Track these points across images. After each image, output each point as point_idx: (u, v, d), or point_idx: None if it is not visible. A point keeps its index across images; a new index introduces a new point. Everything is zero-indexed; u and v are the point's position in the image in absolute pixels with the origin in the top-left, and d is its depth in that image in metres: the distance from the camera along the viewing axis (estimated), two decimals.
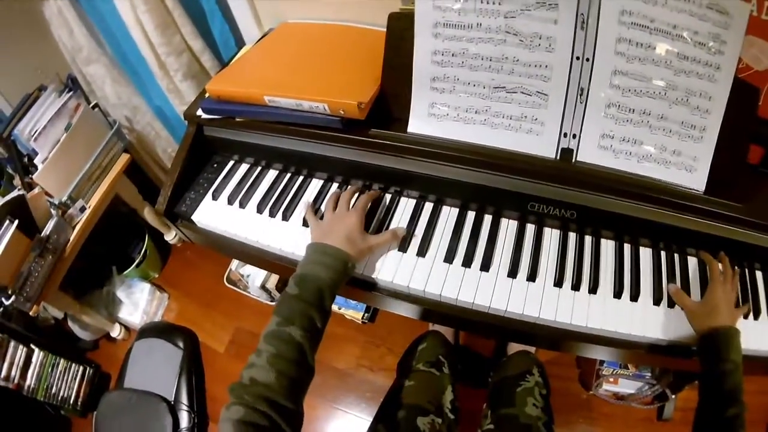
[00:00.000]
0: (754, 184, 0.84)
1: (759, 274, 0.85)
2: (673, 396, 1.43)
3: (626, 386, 1.38)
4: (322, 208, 0.87)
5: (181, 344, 1.58)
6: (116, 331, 1.69)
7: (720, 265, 0.80)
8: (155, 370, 1.54)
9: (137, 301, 1.69)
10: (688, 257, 0.84)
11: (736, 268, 0.82)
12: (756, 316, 0.81)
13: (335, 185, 0.92)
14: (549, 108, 0.77)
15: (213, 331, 1.70)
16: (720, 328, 0.72)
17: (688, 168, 0.77)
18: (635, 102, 0.75)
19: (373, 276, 0.80)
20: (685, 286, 0.81)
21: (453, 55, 0.78)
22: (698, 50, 0.70)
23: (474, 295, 0.77)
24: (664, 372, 1.43)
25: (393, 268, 0.80)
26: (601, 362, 1.38)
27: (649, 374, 1.43)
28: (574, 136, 0.78)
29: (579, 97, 0.76)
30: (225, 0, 1.21)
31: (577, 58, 0.74)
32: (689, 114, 0.75)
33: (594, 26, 0.71)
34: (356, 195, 0.86)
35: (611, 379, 1.36)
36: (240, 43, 1.26)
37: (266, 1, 1.14)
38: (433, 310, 0.80)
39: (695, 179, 0.78)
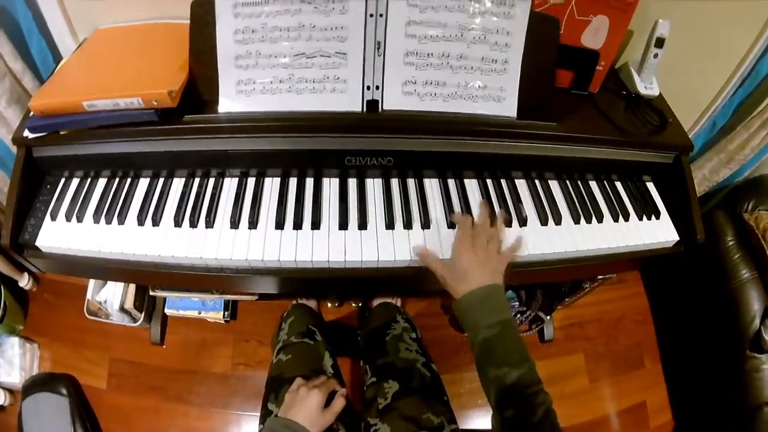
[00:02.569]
0: (566, 104, 1.04)
1: (594, 184, 1.05)
2: (548, 317, 1.66)
3: None
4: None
5: (64, 391, 1.63)
6: (2, 398, 1.71)
7: (466, 220, 0.88)
8: (49, 425, 1.59)
9: (11, 359, 1.72)
10: (515, 180, 1.02)
11: (501, 210, 0.96)
12: (599, 220, 1.00)
13: (161, 180, 1.02)
14: (349, 66, 0.91)
15: (90, 369, 1.78)
16: (469, 291, 0.77)
17: (497, 98, 0.94)
18: (433, 47, 0.90)
19: (213, 257, 0.92)
20: (518, 206, 0.98)
21: (253, 31, 0.90)
22: None
23: (311, 252, 0.90)
24: (532, 297, 1.65)
25: (229, 246, 0.92)
26: None
27: (517, 303, 1.63)
28: (378, 87, 0.93)
29: (377, 50, 0.91)
30: (41, 15, 1.29)
31: (371, 15, 0.89)
32: (489, 50, 0.91)
33: None
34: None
35: None
36: (58, 58, 1.34)
37: (79, 11, 1.23)
38: (279, 276, 0.93)
39: (505, 107, 0.95)
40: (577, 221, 1.00)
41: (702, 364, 1.66)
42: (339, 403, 0.92)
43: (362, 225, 0.93)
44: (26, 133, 1.03)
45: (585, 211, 1.01)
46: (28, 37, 1.33)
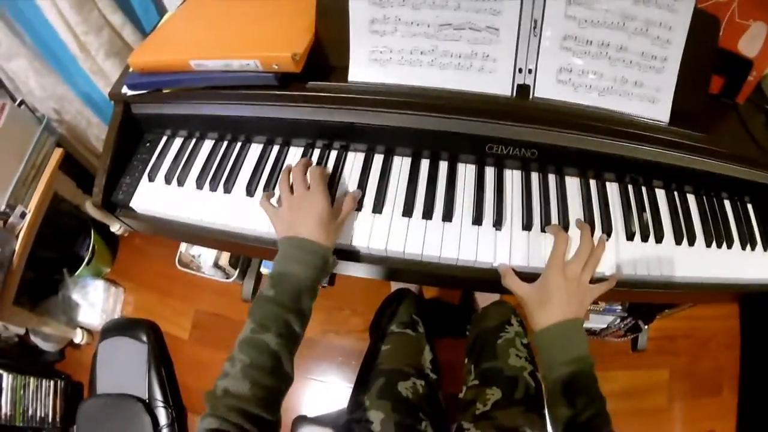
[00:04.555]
0: (716, 113, 0.81)
1: (727, 203, 0.82)
2: (646, 327, 1.43)
3: (598, 321, 1.36)
4: (276, 190, 0.74)
5: (144, 338, 1.47)
6: (79, 337, 1.57)
7: (563, 239, 0.67)
8: (124, 369, 1.44)
9: (94, 301, 1.56)
10: (656, 190, 0.80)
11: (603, 236, 0.72)
12: (729, 246, 0.78)
13: (276, 147, 0.81)
14: (501, 43, 0.70)
15: (174, 319, 1.60)
16: (550, 326, 0.63)
17: (651, 99, 0.72)
18: (593, 33, 0.69)
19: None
20: (657, 218, 0.76)
21: None
22: None
23: (440, 248, 0.70)
24: (634, 304, 1.42)
25: (349, 230, 0.72)
26: None
27: (620, 308, 1.42)
28: (530, 71, 0.71)
29: (533, 30, 0.69)
30: None
31: None
32: (649, 44, 0.69)
33: None
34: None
35: (590, 314, 1.33)
36: (162, 11, 1.13)
37: None
38: (399, 268, 0.73)
39: (659, 110, 0.73)
40: (709, 244, 0.77)
41: None
42: (348, 205, 0.71)
43: (497, 222, 0.72)
44: (125, 90, 0.83)
45: (718, 233, 0.78)
46: None
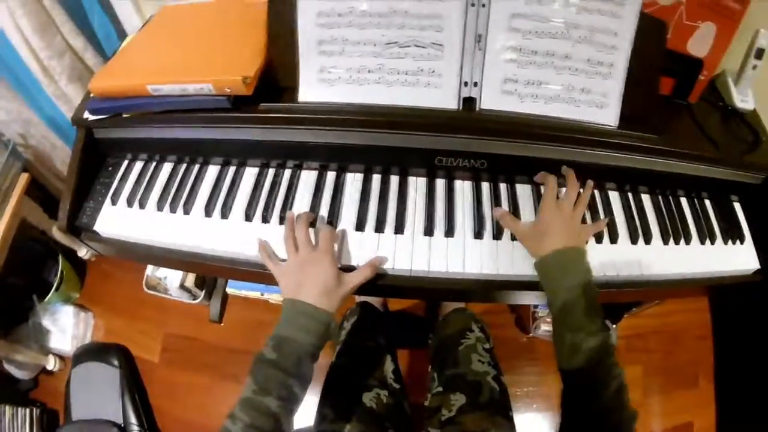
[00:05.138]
0: (668, 114, 0.84)
1: (684, 201, 0.85)
2: (614, 326, 1.45)
3: None
4: (278, 250, 0.72)
5: (116, 362, 1.46)
6: (51, 363, 1.55)
7: (553, 181, 0.73)
8: (98, 395, 1.42)
9: (64, 327, 1.55)
10: (609, 192, 0.82)
11: (589, 182, 0.77)
12: (687, 241, 0.80)
13: (232, 168, 0.83)
14: (445, 58, 0.72)
15: (143, 342, 1.59)
16: (552, 252, 0.66)
17: (599, 104, 0.75)
18: (537, 44, 0.71)
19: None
20: (611, 219, 0.79)
21: (339, 15, 0.72)
22: None
23: (393, 260, 0.72)
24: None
25: None
26: (535, 305, 1.38)
27: None
28: (476, 84, 0.74)
29: (477, 44, 0.72)
30: None
31: (472, 5, 0.70)
32: (594, 51, 0.72)
33: None
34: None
35: (548, 319, 1.35)
36: (122, 35, 1.14)
37: None
38: None
39: (607, 115, 0.75)
40: (666, 242, 0.80)
41: (756, 391, 1.43)
42: (365, 274, 0.69)
43: (449, 232, 0.74)
44: (86, 115, 0.84)
45: (675, 231, 0.81)
46: (90, 14, 1.13)
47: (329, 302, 0.65)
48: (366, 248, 0.73)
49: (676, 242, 0.80)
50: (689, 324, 1.67)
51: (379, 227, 0.74)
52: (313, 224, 0.74)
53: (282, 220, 0.76)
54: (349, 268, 0.71)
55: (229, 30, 0.86)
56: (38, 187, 1.47)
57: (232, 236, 0.76)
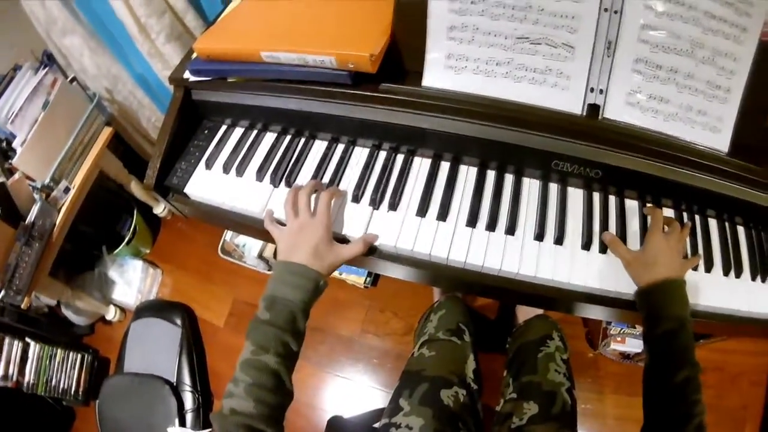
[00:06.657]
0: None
1: None
2: None
3: (633, 345, 1.33)
4: (281, 214, 0.74)
5: (178, 322, 1.48)
6: (111, 314, 1.59)
7: (660, 214, 0.73)
8: (155, 350, 1.45)
9: (130, 280, 1.58)
10: (708, 219, 0.79)
11: (688, 221, 0.76)
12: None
13: (341, 146, 0.82)
14: (575, 61, 0.69)
15: (211, 305, 1.60)
16: (658, 281, 0.66)
17: (713, 128, 0.71)
18: (663, 58, 0.68)
19: (392, 244, 0.72)
20: (708, 247, 0.76)
21: (472, 2, 0.69)
22: (726, 9, 0.65)
23: (500, 260, 0.70)
24: None
25: (411, 235, 0.72)
26: (608, 321, 1.34)
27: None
28: (601, 91, 0.70)
29: (606, 50, 0.69)
30: None
31: (605, 10, 0.67)
32: (715, 74, 0.69)
33: None
34: (315, 192, 0.75)
35: (618, 339, 1.31)
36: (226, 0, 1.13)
37: None
38: (457, 277, 0.73)
39: (719, 140, 0.72)
40: (754, 277, 0.76)
41: None
42: (357, 248, 0.71)
43: (559, 240, 0.72)
44: (187, 75, 0.84)
45: (764, 267, 0.77)
46: None
47: (320, 262, 0.67)
48: (475, 246, 0.71)
49: (763, 280, 0.76)
50: (748, 367, 1.58)
51: (491, 226, 0.72)
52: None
53: (391, 207, 0.75)
54: (458, 263, 0.71)
55: (354, 3, 0.83)
56: (120, 142, 1.51)
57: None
